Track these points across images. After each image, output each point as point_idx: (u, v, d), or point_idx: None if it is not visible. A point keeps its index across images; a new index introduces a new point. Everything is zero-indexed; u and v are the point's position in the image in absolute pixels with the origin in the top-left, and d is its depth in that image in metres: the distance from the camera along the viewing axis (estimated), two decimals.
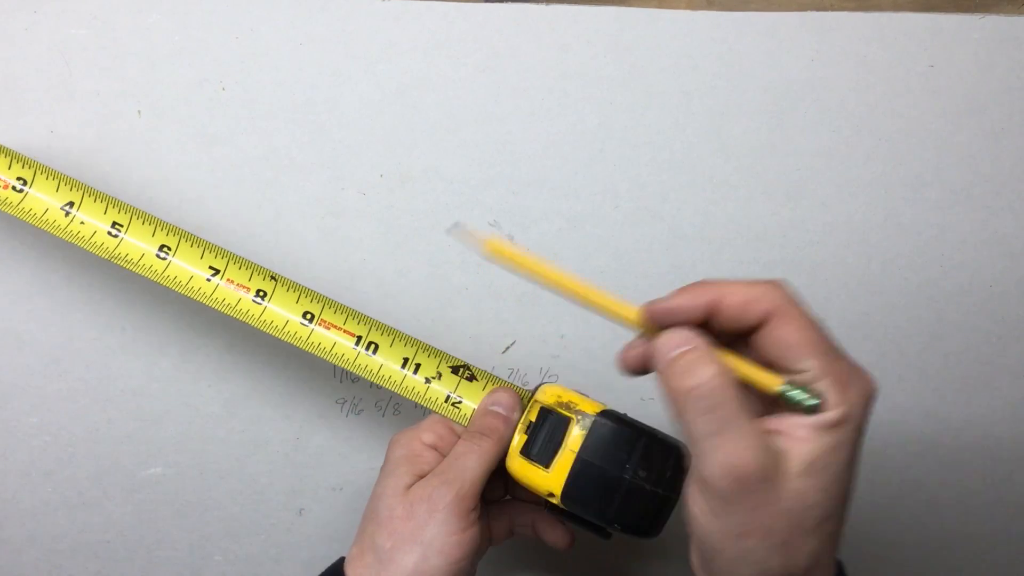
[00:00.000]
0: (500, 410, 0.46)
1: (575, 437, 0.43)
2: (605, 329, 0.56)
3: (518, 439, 0.46)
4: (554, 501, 0.44)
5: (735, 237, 0.56)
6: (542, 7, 0.53)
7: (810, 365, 0.35)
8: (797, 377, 0.35)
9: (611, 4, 0.53)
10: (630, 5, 0.54)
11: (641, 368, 0.40)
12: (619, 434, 0.43)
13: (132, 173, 0.52)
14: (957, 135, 0.56)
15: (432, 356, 0.49)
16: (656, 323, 0.38)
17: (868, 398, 0.36)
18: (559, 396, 0.45)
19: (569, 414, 0.44)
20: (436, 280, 0.54)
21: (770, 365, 0.37)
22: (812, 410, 0.34)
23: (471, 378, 0.49)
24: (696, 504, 0.36)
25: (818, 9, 0.55)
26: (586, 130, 0.54)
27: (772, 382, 0.36)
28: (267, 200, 0.53)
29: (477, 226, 0.54)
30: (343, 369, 0.54)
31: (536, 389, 0.48)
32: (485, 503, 0.47)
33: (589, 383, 0.56)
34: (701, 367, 0.36)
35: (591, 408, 0.44)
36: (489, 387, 0.49)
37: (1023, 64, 0.56)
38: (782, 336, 0.36)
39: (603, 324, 0.56)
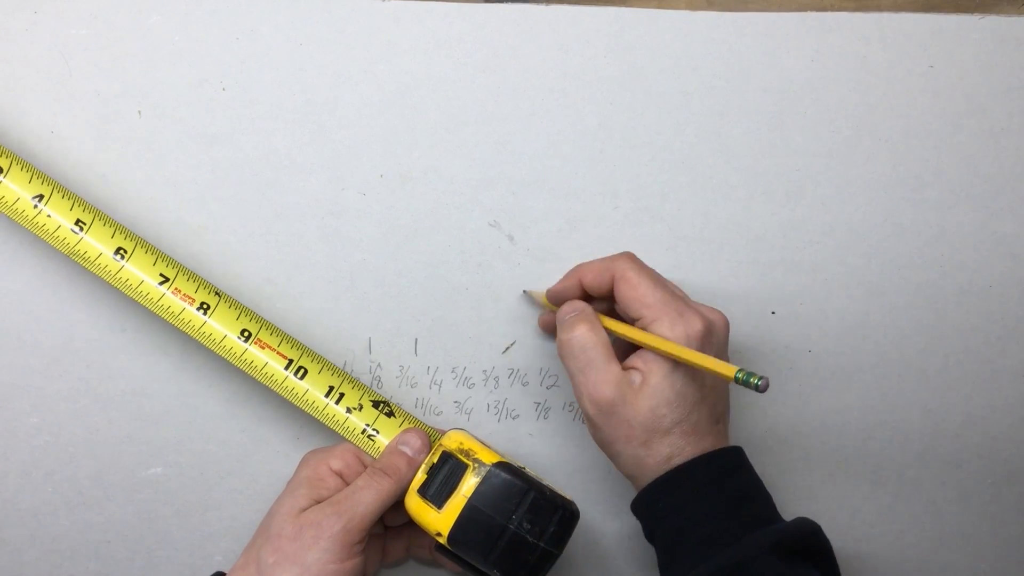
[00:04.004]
0: (407, 450, 0.49)
1: (469, 484, 0.46)
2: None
3: (419, 478, 0.48)
4: (441, 541, 0.46)
5: (735, 237, 0.56)
6: (542, 7, 0.53)
7: (644, 313, 0.47)
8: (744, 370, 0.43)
9: (611, 4, 0.53)
10: (630, 5, 0.54)
11: (550, 329, 0.54)
12: (510, 486, 0.46)
13: (132, 173, 0.52)
14: (957, 135, 0.56)
15: (356, 388, 0.51)
16: (553, 301, 0.52)
17: (699, 331, 0.46)
18: (461, 443, 0.48)
19: (467, 461, 0.47)
20: (436, 280, 0.54)
21: (630, 320, 0.48)
22: (760, 389, 0.41)
23: (390, 414, 0.51)
24: (586, 424, 0.49)
25: (818, 9, 0.55)
26: (586, 130, 0.54)
27: (728, 370, 0.43)
28: (267, 200, 0.53)
29: (477, 226, 0.54)
30: (344, 368, 0.55)
31: (445, 433, 0.50)
32: (385, 528, 0.52)
33: None
34: (577, 324, 0.48)
35: (489, 458, 0.47)
36: (406, 425, 0.51)
37: (1023, 64, 0.56)
38: (624, 294, 0.48)
39: None
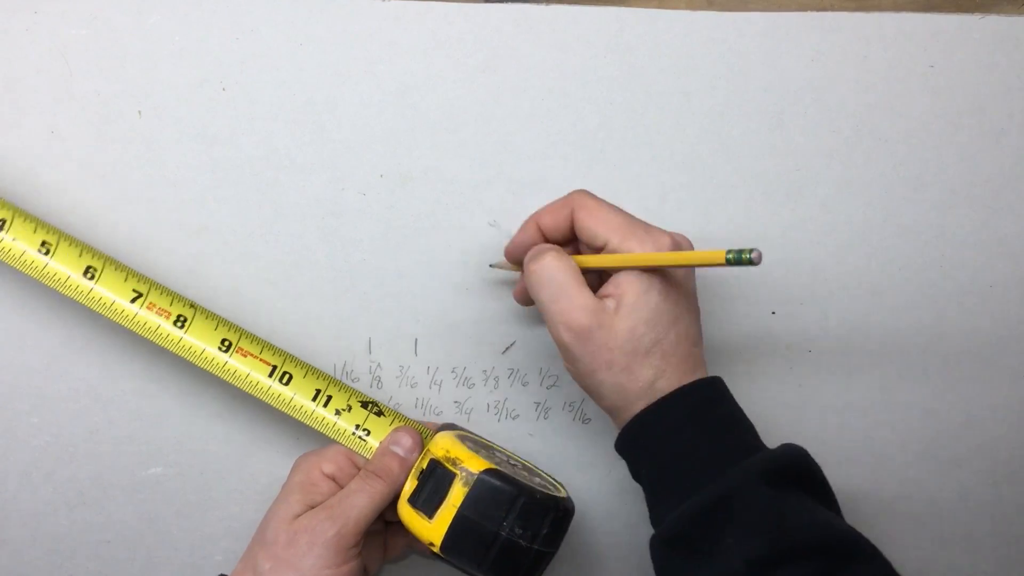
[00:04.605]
0: (399, 451, 0.49)
1: (457, 492, 0.46)
2: None
3: (409, 485, 0.48)
4: (434, 550, 0.46)
5: (735, 237, 0.55)
6: (542, 7, 0.53)
7: (610, 236, 0.46)
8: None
9: (611, 4, 0.53)
10: (630, 5, 0.54)
11: (526, 297, 0.52)
12: (499, 493, 0.45)
13: (132, 173, 0.52)
14: (957, 135, 0.56)
15: (343, 390, 0.51)
16: (513, 259, 0.51)
17: (668, 244, 0.45)
18: (448, 450, 0.47)
19: (454, 470, 0.46)
20: (436, 280, 0.54)
21: (593, 250, 0.47)
22: (754, 262, 0.40)
23: (379, 413, 0.51)
24: (562, 359, 0.47)
25: (818, 9, 0.55)
26: (586, 130, 0.54)
27: (718, 255, 0.42)
28: (267, 200, 0.53)
29: (477, 226, 0.54)
30: (343, 369, 0.55)
31: (439, 430, 0.50)
32: (386, 523, 0.52)
33: None
34: (544, 255, 0.47)
35: (476, 466, 0.46)
36: (396, 423, 0.51)
37: (1023, 64, 0.56)
38: (585, 222, 0.47)
39: None
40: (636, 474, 0.48)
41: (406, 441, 0.49)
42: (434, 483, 0.47)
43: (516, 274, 0.53)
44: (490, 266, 0.54)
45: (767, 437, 0.45)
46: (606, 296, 0.46)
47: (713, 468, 0.44)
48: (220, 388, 0.54)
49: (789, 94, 0.55)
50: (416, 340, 0.55)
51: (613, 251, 0.46)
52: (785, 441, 0.46)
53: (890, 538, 0.59)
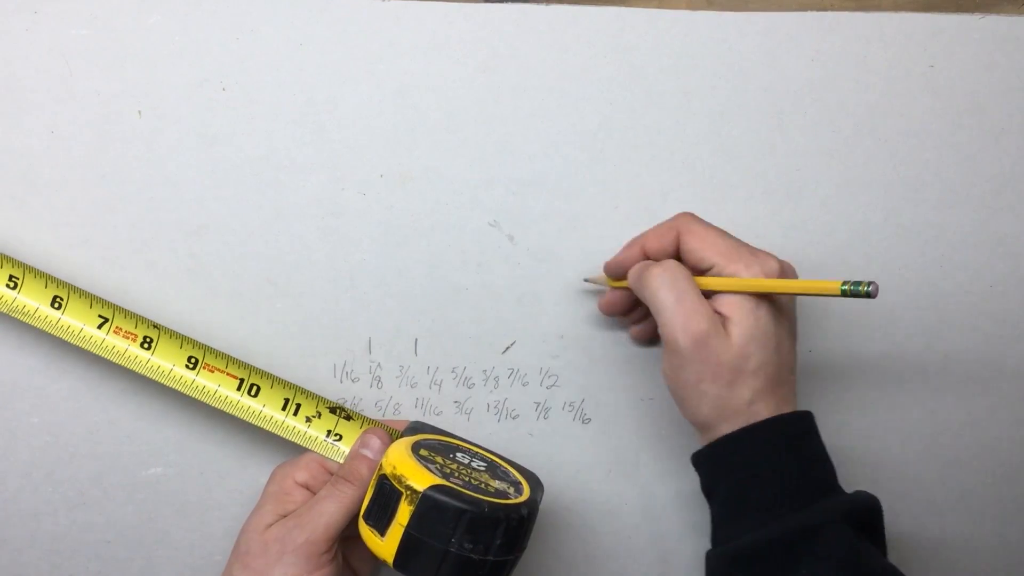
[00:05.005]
0: (368, 454, 0.49)
1: (403, 511, 0.45)
2: (604, 330, 0.56)
3: (365, 501, 0.47)
4: (389, 566, 0.46)
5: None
6: (542, 7, 0.53)
7: (717, 260, 0.47)
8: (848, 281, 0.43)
9: (611, 4, 0.53)
10: (630, 5, 0.54)
11: (614, 308, 0.53)
12: (444, 510, 0.44)
13: (132, 173, 0.52)
14: (957, 135, 0.56)
15: (310, 398, 0.51)
16: (615, 275, 0.52)
17: (776, 269, 0.47)
18: (395, 466, 0.46)
19: (400, 488, 0.45)
20: (436, 280, 0.54)
21: (698, 272, 0.48)
22: (871, 295, 0.41)
23: (348, 418, 0.51)
24: (666, 364, 0.48)
25: (818, 9, 0.55)
26: (586, 130, 0.54)
27: (832, 285, 0.43)
28: (267, 200, 0.53)
29: (477, 226, 0.54)
30: (343, 369, 0.55)
31: (407, 429, 0.50)
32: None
33: (589, 383, 0.56)
34: (666, 261, 0.48)
35: (421, 482, 0.45)
36: (366, 426, 0.51)
37: (1023, 64, 0.56)
38: (690, 247, 0.48)
39: (602, 325, 0.56)
40: (709, 491, 0.48)
41: (375, 443, 0.49)
42: (383, 500, 0.46)
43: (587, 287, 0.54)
44: (584, 280, 0.55)
45: None
46: (716, 312, 0.47)
47: (798, 500, 0.45)
48: None
49: (789, 94, 0.55)
50: (416, 340, 0.55)
51: (718, 274, 0.47)
52: None
53: (890, 538, 0.59)
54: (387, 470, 0.46)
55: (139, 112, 0.51)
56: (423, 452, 0.48)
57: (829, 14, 0.55)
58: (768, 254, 0.47)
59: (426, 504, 0.44)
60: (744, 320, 0.46)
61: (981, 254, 0.57)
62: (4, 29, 0.50)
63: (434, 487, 0.44)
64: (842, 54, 0.55)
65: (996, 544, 0.60)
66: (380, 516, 0.46)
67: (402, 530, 0.44)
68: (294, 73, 0.52)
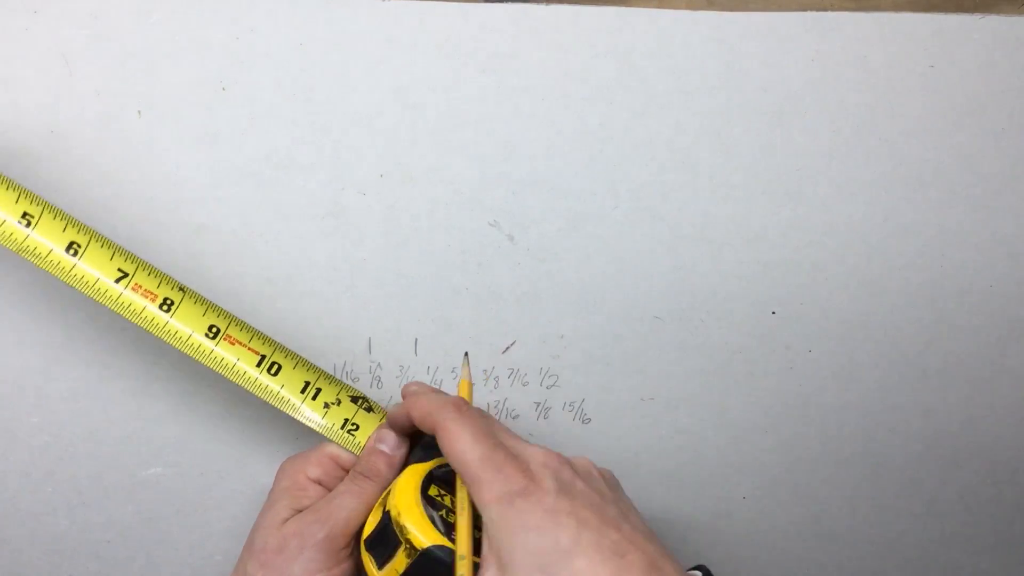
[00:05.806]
0: (385, 448, 0.48)
1: (401, 559, 0.44)
2: (605, 330, 0.56)
3: (369, 524, 0.46)
4: None
5: (735, 237, 0.56)
6: (542, 7, 0.53)
7: (461, 472, 0.41)
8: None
9: (611, 4, 0.53)
10: (630, 5, 0.54)
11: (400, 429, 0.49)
12: (441, 569, 0.43)
13: (132, 173, 0.52)
14: (957, 135, 0.56)
15: (333, 383, 0.50)
16: (393, 427, 0.48)
17: (504, 495, 0.39)
18: (400, 512, 0.44)
19: (400, 539, 0.44)
20: (436, 280, 0.54)
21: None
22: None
23: (369, 409, 0.50)
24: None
25: (818, 9, 0.55)
26: (586, 130, 0.54)
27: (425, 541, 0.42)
28: (267, 200, 0.53)
29: (477, 226, 0.54)
30: (343, 369, 0.55)
31: (421, 443, 0.48)
32: None
33: (589, 383, 0.56)
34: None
35: (420, 541, 0.43)
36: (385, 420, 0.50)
37: (1023, 64, 0.56)
38: (443, 448, 0.42)
39: (603, 325, 0.56)
40: None
41: (390, 439, 0.49)
42: (384, 538, 0.45)
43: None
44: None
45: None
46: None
47: None
48: (220, 388, 0.54)
49: (789, 94, 0.55)
50: (416, 340, 0.55)
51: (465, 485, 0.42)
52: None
53: (890, 538, 0.59)
54: (391, 510, 0.45)
55: (139, 112, 0.51)
56: (432, 492, 0.46)
57: (829, 14, 0.55)
58: (506, 467, 0.40)
59: (425, 559, 0.43)
60: (505, 546, 0.38)
61: (981, 254, 0.57)
62: (4, 29, 0.50)
63: (434, 547, 0.43)
64: (842, 54, 0.55)
65: (996, 544, 0.60)
66: (381, 551, 0.45)
67: (398, 575, 0.44)
68: (294, 73, 0.52)
